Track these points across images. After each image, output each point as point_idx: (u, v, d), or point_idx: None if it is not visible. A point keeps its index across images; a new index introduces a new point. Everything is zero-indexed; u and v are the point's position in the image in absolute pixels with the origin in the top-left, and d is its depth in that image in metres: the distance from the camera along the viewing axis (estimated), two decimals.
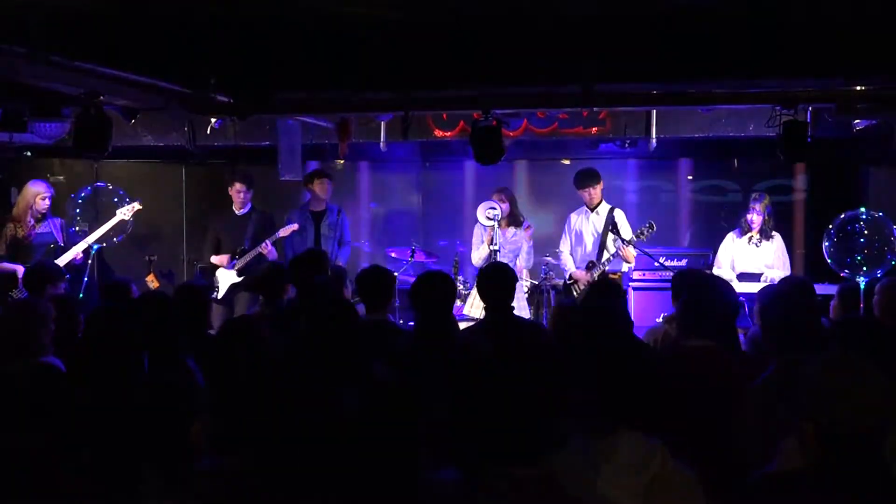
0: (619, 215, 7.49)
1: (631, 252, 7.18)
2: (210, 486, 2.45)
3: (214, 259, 7.73)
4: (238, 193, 7.79)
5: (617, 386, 2.34)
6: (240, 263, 7.65)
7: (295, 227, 7.80)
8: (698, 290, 3.83)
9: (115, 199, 7.64)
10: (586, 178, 7.46)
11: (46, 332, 4.02)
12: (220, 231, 7.85)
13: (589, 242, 7.51)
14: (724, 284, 4.24)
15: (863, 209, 6.92)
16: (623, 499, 2.23)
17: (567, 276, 7.60)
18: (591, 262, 7.38)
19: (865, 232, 6.68)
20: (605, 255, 7.33)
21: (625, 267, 7.33)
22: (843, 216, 6.83)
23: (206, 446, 2.66)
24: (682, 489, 2.28)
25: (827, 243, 6.83)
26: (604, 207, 7.53)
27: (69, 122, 6.46)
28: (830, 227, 6.82)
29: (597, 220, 7.48)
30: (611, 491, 2.23)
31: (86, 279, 6.95)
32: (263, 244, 7.59)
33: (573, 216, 7.72)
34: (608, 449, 2.27)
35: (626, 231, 7.35)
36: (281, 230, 7.76)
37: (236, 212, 7.85)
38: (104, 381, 3.26)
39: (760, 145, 7.64)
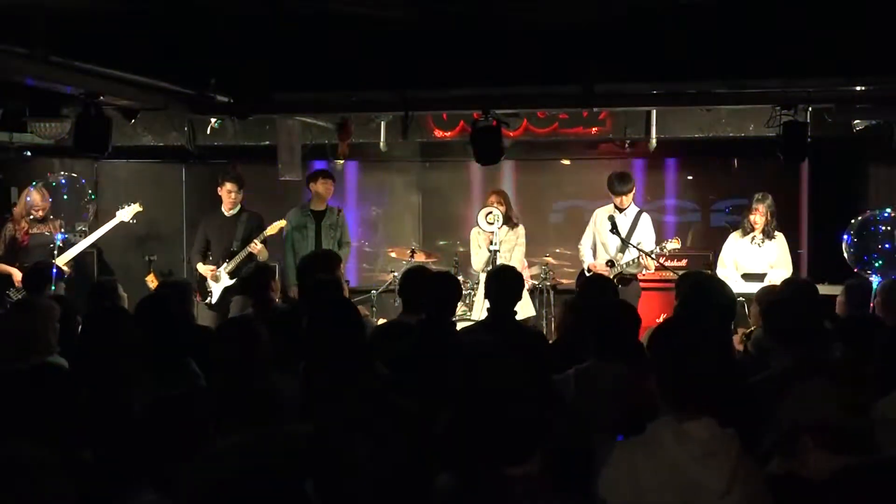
0: (646, 220, 7.37)
1: (651, 262, 7.13)
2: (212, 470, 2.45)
3: (202, 268, 7.52)
4: (229, 194, 7.57)
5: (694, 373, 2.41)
6: (231, 265, 7.47)
7: (283, 223, 7.71)
8: (694, 292, 3.85)
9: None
10: (622, 184, 7.26)
11: (53, 331, 4.02)
12: (210, 232, 7.67)
13: (611, 242, 7.37)
14: (720, 286, 4.23)
15: (889, 210, 6.90)
16: (710, 480, 2.28)
17: (586, 268, 7.46)
18: (611, 260, 7.28)
19: (887, 231, 6.70)
20: (626, 258, 7.22)
21: (652, 265, 7.25)
22: (867, 214, 6.81)
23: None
24: (759, 484, 2.33)
25: (847, 237, 6.79)
26: (632, 209, 7.40)
27: (69, 122, 6.46)
28: (854, 220, 6.78)
29: (624, 221, 7.34)
30: (701, 471, 2.28)
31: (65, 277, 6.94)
32: (252, 244, 7.48)
33: (600, 212, 7.51)
34: (691, 430, 2.33)
35: (647, 235, 7.26)
36: (268, 228, 7.66)
37: (225, 212, 7.64)
38: (104, 382, 3.26)
39: (760, 145, 7.64)
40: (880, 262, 6.76)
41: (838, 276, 6.93)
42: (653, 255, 7.07)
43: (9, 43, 4.74)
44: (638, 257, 7.11)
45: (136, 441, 2.60)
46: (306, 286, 5.13)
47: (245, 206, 7.74)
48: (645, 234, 7.28)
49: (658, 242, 7.29)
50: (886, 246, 6.72)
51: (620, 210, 7.34)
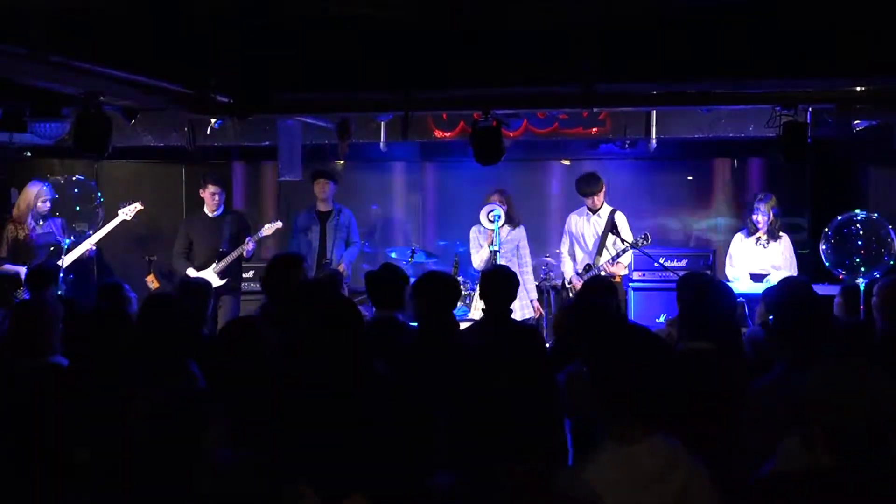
0: (620, 218, 7.43)
1: (619, 270, 7.18)
2: (224, 478, 2.46)
3: (192, 273, 7.46)
4: (212, 196, 7.62)
5: (642, 386, 2.24)
6: (220, 266, 7.51)
7: (279, 225, 7.73)
8: (698, 294, 3.83)
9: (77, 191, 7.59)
10: (589, 185, 7.38)
11: (55, 331, 4.02)
12: (193, 233, 7.70)
13: (590, 244, 7.48)
14: (723, 287, 4.23)
15: (857, 211, 6.92)
16: None
17: (567, 280, 7.57)
18: (588, 265, 7.34)
19: (861, 233, 6.70)
20: (602, 259, 7.27)
21: (623, 271, 7.31)
22: (839, 218, 6.84)
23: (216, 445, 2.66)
24: (707, 492, 2.25)
25: (824, 246, 6.83)
26: (605, 209, 7.48)
27: (69, 122, 6.45)
28: (826, 229, 6.83)
29: (598, 222, 7.43)
30: (645, 499, 2.19)
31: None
32: (246, 242, 7.48)
33: (574, 217, 7.66)
34: (633, 457, 2.22)
35: (626, 235, 7.31)
36: (263, 229, 7.68)
37: (209, 214, 7.68)
38: (104, 383, 3.26)
39: (760, 145, 7.64)
40: (860, 263, 6.79)
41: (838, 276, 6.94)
42: (635, 245, 7.09)
43: (9, 43, 4.73)
44: (606, 261, 7.15)
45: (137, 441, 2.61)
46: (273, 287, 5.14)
47: (227, 208, 7.78)
48: (622, 233, 7.31)
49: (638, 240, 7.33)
50: (859, 243, 6.76)
51: (594, 211, 7.40)
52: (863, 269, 6.71)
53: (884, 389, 2.05)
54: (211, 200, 7.65)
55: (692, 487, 2.23)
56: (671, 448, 2.26)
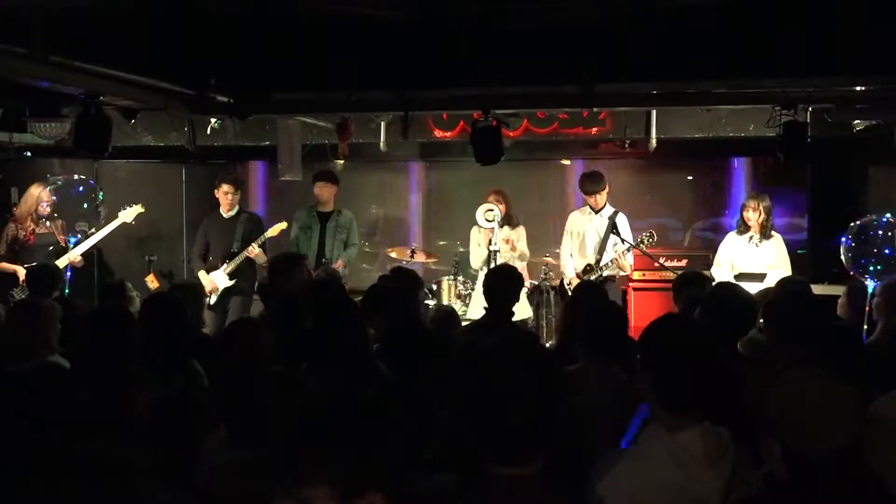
0: (622, 220, 7.41)
1: (627, 262, 7.18)
2: (224, 478, 2.46)
3: (203, 277, 7.45)
4: (226, 196, 7.57)
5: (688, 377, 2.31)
6: (230, 267, 7.46)
7: (283, 225, 7.70)
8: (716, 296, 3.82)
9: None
10: (593, 183, 7.36)
11: (54, 331, 4.02)
12: (210, 234, 7.66)
13: (590, 244, 7.44)
14: (740, 290, 4.18)
15: (888, 215, 6.94)
16: (707, 494, 2.22)
17: (567, 281, 7.56)
18: (589, 265, 7.32)
19: (881, 237, 6.72)
20: (604, 260, 7.27)
21: (628, 267, 7.32)
22: (866, 218, 6.85)
23: (218, 444, 2.66)
24: (752, 479, 2.28)
25: (846, 239, 6.83)
26: (607, 210, 7.44)
27: (69, 122, 6.46)
28: (853, 224, 6.83)
29: (600, 222, 7.39)
30: (696, 486, 2.22)
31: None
32: (251, 247, 7.46)
33: (576, 215, 7.62)
34: (683, 443, 2.25)
35: (627, 237, 7.30)
36: (269, 230, 7.66)
37: (224, 214, 7.65)
38: (107, 382, 3.26)
39: (760, 145, 7.64)
40: (878, 266, 6.78)
41: (838, 276, 6.94)
42: (640, 246, 7.10)
43: (9, 43, 4.74)
44: (612, 259, 7.16)
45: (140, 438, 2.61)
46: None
47: (243, 208, 7.75)
48: (623, 234, 7.31)
49: (635, 239, 7.32)
50: (885, 251, 6.75)
51: (596, 211, 7.39)
52: (874, 271, 6.73)
53: (851, 409, 2.03)
54: (224, 200, 7.60)
55: (741, 472, 2.26)
56: (719, 434, 2.29)
